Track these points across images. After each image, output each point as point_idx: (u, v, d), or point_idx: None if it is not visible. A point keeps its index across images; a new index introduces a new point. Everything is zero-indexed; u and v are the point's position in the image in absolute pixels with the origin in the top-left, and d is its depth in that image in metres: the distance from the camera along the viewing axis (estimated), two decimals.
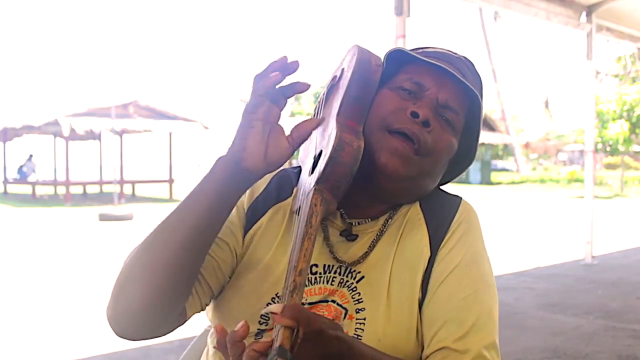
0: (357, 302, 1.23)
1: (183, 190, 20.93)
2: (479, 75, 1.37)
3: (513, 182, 33.31)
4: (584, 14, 8.80)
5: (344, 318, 1.22)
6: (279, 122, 1.16)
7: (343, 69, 1.26)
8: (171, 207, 1.21)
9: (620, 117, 24.61)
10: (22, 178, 25.32)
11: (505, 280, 7.57)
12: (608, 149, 25.76)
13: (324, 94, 1.32)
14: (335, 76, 1.29)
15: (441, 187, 1.40)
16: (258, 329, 1.23)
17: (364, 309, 1.22)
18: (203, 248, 1.17)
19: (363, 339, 1.20)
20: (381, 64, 1.25)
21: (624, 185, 28.39)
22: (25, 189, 25.63)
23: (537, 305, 6.41)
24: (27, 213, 18.16)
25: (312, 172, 1.19)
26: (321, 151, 1.18)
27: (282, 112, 1.16)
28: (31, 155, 25.69)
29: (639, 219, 16.08)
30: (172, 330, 1.24)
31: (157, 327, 1.19)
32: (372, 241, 1.28)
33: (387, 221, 1.31)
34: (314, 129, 1.20)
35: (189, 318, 1.26)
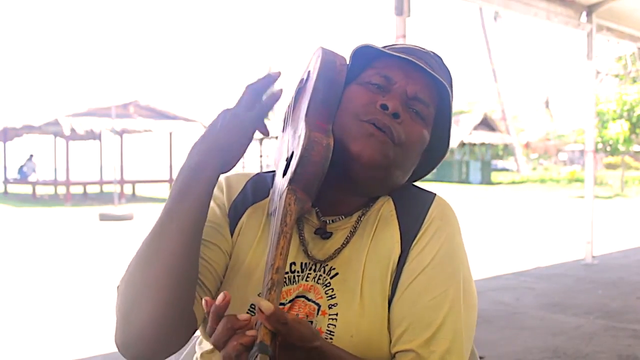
0: (330, 297, 1.23)
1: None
2: (447, 70, 1.38)
3: (513, 182, 33.32)
4: (584, 13, 8.79)
5: (317, 314, 1.22)
6: None
7: (309, 72, 1.29)
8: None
9: (621, 117, 24.61)
10: (23, 178, 25.32)
11: (505, 280, 7.56)
12: (608, 148, 25.77)
13: (292, 98, 1.34)
14: (303, 79, 1.31)
15: (417, 184, 1.39)
16: None
17: (337, 304, 1.22)
18: (198, 248, 1.18)
19: (336, 334, 1.20)
20: (346, 64, 1.28)
21: (624, 185, 28.39)
22: (26, 189, 25.63)
23: (538, 305, 6.40)
24: (28, 213, 18.17)
25: (285, 174, 1.21)
26: (293, 152, 1.20)
27: None
28: (31, 155, 25.69)
29: (639, 219, 16.08)
30: (187, 341, 1.22)
31: (172, 341, 1.17)
32: (346, 237, 1.29)
33: (360, 217, 1.31)
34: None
35: (200, 325, 1.25)
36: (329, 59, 1.25)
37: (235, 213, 1.33)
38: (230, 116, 1.21)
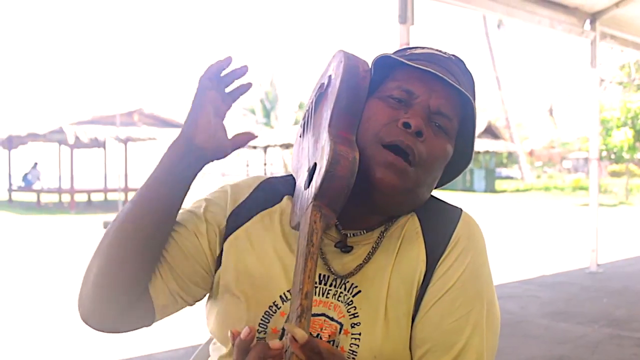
0: (352, 316, 1.21)
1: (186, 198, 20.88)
2: (470, 74, 1.34)
3: (517, 190, 33.23)
4: (588, 21, 8.78)
5: (339, 333, 1.20)
6: (224, 122, 1.26)
7: (330, 76, 1.25)
8: None
9: (625, 124, 24.58)
10: (27, 186, 25.33)
11: (510, 289, 7.53)
12: (613, 156, 25.73)
13: (312, 102, 1.31)
14: (323, 84, 1.28)
15: (441, 198, 1.36)
16: (257, 337, 1.21)
17: (360, 323, 1.20)
18: (159, 224, 1.22)
19: (359, 354, 1.19)
20: (369, 69, 1.25)
21: (629, 193, 28.31)
22: (30, 197, 25.64)
23: (542, 313, 6.38)
24: (32, 221, 18.18)
25: (308, 186, 1.18)
26: (315, 164, 1.18)
27: (228, 114, 1.27)
28: (36, 163, 25.71)
29: None
30: (141, 325, 1.28)
31: (120, 312, 1.22)
32: (368, 253, 1.25)
33: (383, 233, 1.28)
34: (248, 141, 1.27)
35: (160, 312, 1.27)
36: (352, 64, 1.22)
37: (237, 218, 1.31)
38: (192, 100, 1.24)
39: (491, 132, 36.34)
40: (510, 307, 6.54)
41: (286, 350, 0.97)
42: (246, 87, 1.27)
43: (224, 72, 1.23)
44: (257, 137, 1.29)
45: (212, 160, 1.25)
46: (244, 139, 1.27)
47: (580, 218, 17.35)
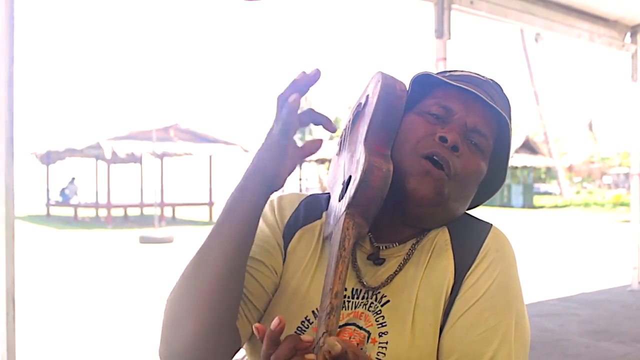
0: (380, 325, 1.22)
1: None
2: (507, 99, 1.36)
3: (556, 206, 32.86)
4: (628, 34, 8.65)
5: (367, 342, 1.20)
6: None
7: (368, 96, 1.28)
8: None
9: None
10: (65, 200, 25.70)
11: (549, 306, 7.38)
12: None
13: (349, 121, 1.33)
14: (360, 103, 1.30)
15: (472, 213, 1.36)
16: None
17: (387, 332, 1.20)
18: (242, 267, 1.19)
19: None
20: (406, 89, 1.27)
21: None
22: (68, 212, 26.00)
23: (582, 332, 6.24)
24: (70, 235, 18.42)
25: (342, 198, 1.21)
26: (350, 176, 1.21)
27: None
28: (73, 178, 26.09)
29: None
30: (230, 358, 1.24)
31: (214, 357, 1.19)
32: (399, 265, 1.27)
33: (415, 245, 1.29)
34: (318, 149, 1.22)
35: (244, 343, 1.26)
36: (389, 83, 1.25)
37: (287, 234, 1.34)
38: (269, 135, 1.20)
39: (529, 147, 36.04)
40: (548, 325, 6.42)
41: (314, 346, 0.99)
42: (330, 127, 1.20)
43: (294, 97, 1.16)
44: (322, 142, 1.23)
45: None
46: (313, 147, 1.23)
47: (621, 235, 17.05)
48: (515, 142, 35.28)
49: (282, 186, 1.21)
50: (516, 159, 34.65)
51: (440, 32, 6.16)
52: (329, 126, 1.19)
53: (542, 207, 32.53)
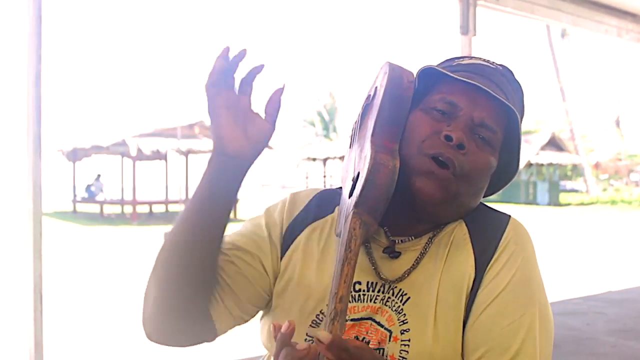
0: (402, 323, 1.22)
1: (247, 209, 21.09)
2: (518, 84, 1.35)
3: (582, 204, 32.55)
4: None
5: (389, 341, 1.21)
6: (252, 109, 1.21)
7: (376, 88, 1.27)
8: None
9: None
10: (91, 197, 25.90)
11: (574, 305, 7.32)
12: None
13: (359, 115, 1.33)
14: (370, 95, 1.29)
15: (490, 205, 1.35)
16: None
17: (409, 329, 1.21)
18: (207, 245, 1.22)
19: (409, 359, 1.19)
20: (413, 80, 1.25)
21: None
22: (94, 208, 26.19)
23: (609, 331, 6.18)
24: (96, 231, 18.56)
25: (351, 195, 1.20)
26: (358, 173, 1.20)
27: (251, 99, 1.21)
28: (99, 175, 26.28)
29: None
30: (201, 341, 1.29)
31: (181, 331, 1.25)
32: (416, 259, 1.27)
33: (431, 239, 1.28)
34: (280, 97, 1.21)
35: (222, 331, 1.29)
36: (396, 75, 1.23)
37: (292, 232, 1.33)
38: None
39: (555, 144, 35.71)
40: (574, 323, 6.37)
41: (319, 354, 0.99)
42: (258, 68, 1.20)
43: (227, 68, 1.17)
44: (284, 87, 1.22)
45: (256, 158, 1.23)
46: (275, 102, 1.22)
47: None
48: (541, 139, 35.02)
49: (241, 148, 1.19)
50: (542, 156, 34.37)
51: (466, 28, 6.12)
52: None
53: (568, 204, 32.24)
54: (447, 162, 1.20)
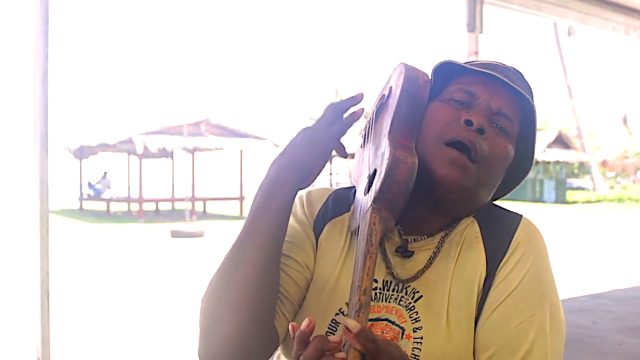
0: (414, 321, 1.22)
1: None
2: (528, 85, 1.36)
3: (589, 201, 32.47)
4: None
5: (402, 338, 1.20)
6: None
7: (391, 87, 1.28)
8: (242, 224, 1.23)
9: None
10: (97, 195, 25.96)
11: (580, 303, 7.30)
12: None
13: (373, 113, 1.34)
14: (384, 95, 1.31)
15: (501, 205, 1.36)
16: None
17: (421, 327, 1.21)
18: (278, 261, 1.21)
19: (421, 358, 1.19)
20: (429, 80, 1.27)
21: None
22: (100, 206, 26.25)
23: (616, 329, 6.16)
24: (102, 229, 18.60)
25: (368, 192, 1.21)
26: (375, 170, 1.21)
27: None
28: (106, 173, 26.34)
29: None
30: (269, 356, 1.26)
31: (253, 355, 1.21)
32: (429, 258, 1.27)
33: (444, 238, 1.29)
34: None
35: (282, 339, 1.26)
36: (412, 74, 1.25)
37: (317, 227, 1.35)
38: (310, 133, 1.24)
39: (562, 141, 35.64)
40: (581, 321, 6.36)
41: (344, 345, 0.98)
42: (359, 113, 1.26)
43: (352, 114, 1.26)
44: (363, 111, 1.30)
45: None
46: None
47: None
48: (548, 136, 34.93)
49: (312, 182, 1.25)
50: (549, 154, 34.29)
51: (472, 25, 6.12)
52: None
53: (575, 202, 32.17)
54: (469, 145, 1.21)
